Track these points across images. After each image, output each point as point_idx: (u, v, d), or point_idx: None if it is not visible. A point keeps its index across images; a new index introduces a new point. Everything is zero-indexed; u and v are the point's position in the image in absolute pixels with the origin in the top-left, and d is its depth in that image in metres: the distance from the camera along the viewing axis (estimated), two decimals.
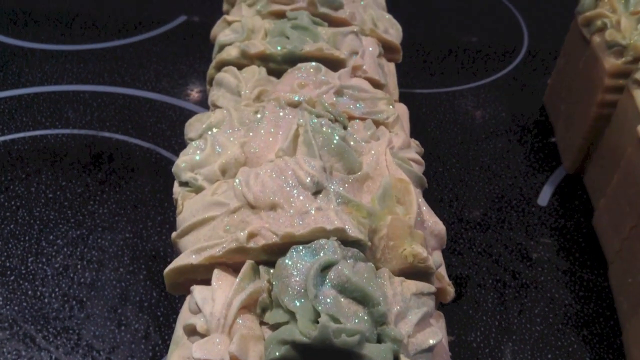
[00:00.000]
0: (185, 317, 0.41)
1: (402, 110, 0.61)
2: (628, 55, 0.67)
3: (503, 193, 0.74)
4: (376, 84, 0.60)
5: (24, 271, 0.61)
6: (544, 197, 0.74)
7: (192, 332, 0.39)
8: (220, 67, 0.59)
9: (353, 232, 0.40)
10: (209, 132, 0.50)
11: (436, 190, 0.74)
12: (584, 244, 0.69)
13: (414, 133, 0.83)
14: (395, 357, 0.37)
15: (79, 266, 0.62)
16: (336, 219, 0.40)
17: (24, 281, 0.60)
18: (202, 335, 0.38)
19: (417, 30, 1.01)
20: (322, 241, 0.39)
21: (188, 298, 0.42)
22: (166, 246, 0.65)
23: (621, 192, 0.65)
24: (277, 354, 0.36)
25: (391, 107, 0.56)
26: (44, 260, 0.62)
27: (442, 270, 0.45)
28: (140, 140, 0.76)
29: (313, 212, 0.41)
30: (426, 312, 0.40)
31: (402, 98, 0.87)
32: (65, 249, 0.63)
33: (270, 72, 0.59)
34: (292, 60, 0.58)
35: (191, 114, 0.83)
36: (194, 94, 0.85)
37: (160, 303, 0.59)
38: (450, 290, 0.45)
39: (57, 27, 0.94)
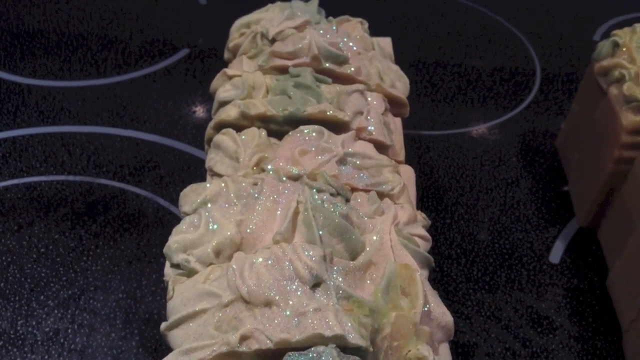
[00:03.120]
0: None
1: (408, 173, 0.58)
2: None
3: (513, 249, 0.71)
4: (381, 146, 0.57)
5: (13, 336, 0.59)
6: (556, 253, 0.71)
7: None
8: (219, 128, 0.57)
9: (354, 338, 0.37)
10: (204, 207, 0.48)
11: (444, 244, 0.71)
12: (597, 307, 0.66)
13: (422, 178, 0.80)
14: None
15: (69, 330, 0.59)
16: (335, 324, 0.37)
17: (13, 347, 0.58)
18: None
19: (426, 69, 0.98)
20: (320, 348, 0.37)
21: None
22: (160, 308, 0.62)
23: (637, 258, 0.62)
24: None
25: (396, 174, 0.53)
26: (34, 323, 0.60)
27: None
28: (137, 188, 0.74)
29: (311, 313, 0.38)
30: None
31: (410, 140, 0.85)
32: (56, 311, 0.61)
33: (271, 133, 0.56)
34: (294, 122, 0.56)
35: (191, 157, 0.80)
36: (195, 135, 0.82)
37: None
38: None
39: (55, 61, 0.91)
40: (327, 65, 0.60)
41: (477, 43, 1.04)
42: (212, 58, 0.96)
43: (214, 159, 0.54)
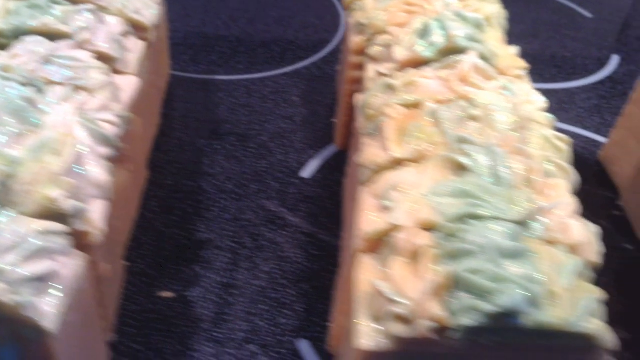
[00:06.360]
0: None
1: (132, 83, 0.64)
2: (368, 33, 0.72)
3: (272, 167, 0.79)
4: (107, 58, 0.63)
5: None
6: (309, 170, 0.79)
7: None
8: None
9: None
10: None
11: (209, 166, 0.78)
12: (333, 211, 0.74)
13: (206, 114, 0.87)
14: None
15: None
16: None
17: None
18: None
19: (234, 21, 1.06)
20: None
21: None
22: None
23: (353, 163, 0.70)
24: None
25: (104, 75, 0.60)
26: None
27: (96, 217, 0.49)
28: None
29: None
30: (46, 247, 0.43)
31: (202, 84, 0.92)
32: None
33: (2, 47, 0.62)
34: (20, 34, 0.61)
35: None
36: None
37: None
38: (94, 233, 0.48)
39: None
40: None
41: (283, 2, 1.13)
42: None
43: None
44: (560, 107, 0.97)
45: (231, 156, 0.80)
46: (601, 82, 1.04)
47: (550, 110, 0.97)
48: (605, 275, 0.69)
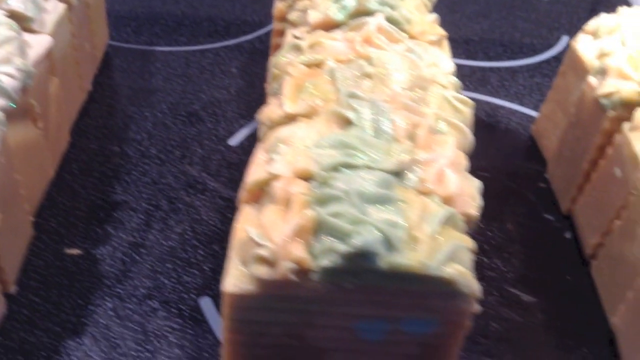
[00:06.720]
0: None
1: (44, 41, 0.64)
2: None
3: (199, 135, 0.79)
4: (20, 16, 0.64)
5: None
6: (237, 138, 0.79)
7: None
8: None
9: None
10: None
11: (136, 132, 0.78)
12: None
13: (139, 82, 0.87)
14: None
15: None
16: None
17: None
18: None
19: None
20: None
21: None
22: None
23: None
24: None
25: (12, 32, 0.60)
26: None
27: None
28: None
29: None
30: None
31: (143, 55, 0.92)
32: None
33: None
34: None
35: None
36: None
37: None
38: None
39: None
40: None
41: None
42: None
43: None
44: (501, 84, 0.97)
45: (160, 123, 0.80)
46: (546, 62, 1.04)
47: (491, 87, 0.99)
48: (521, 244, 0.71)
